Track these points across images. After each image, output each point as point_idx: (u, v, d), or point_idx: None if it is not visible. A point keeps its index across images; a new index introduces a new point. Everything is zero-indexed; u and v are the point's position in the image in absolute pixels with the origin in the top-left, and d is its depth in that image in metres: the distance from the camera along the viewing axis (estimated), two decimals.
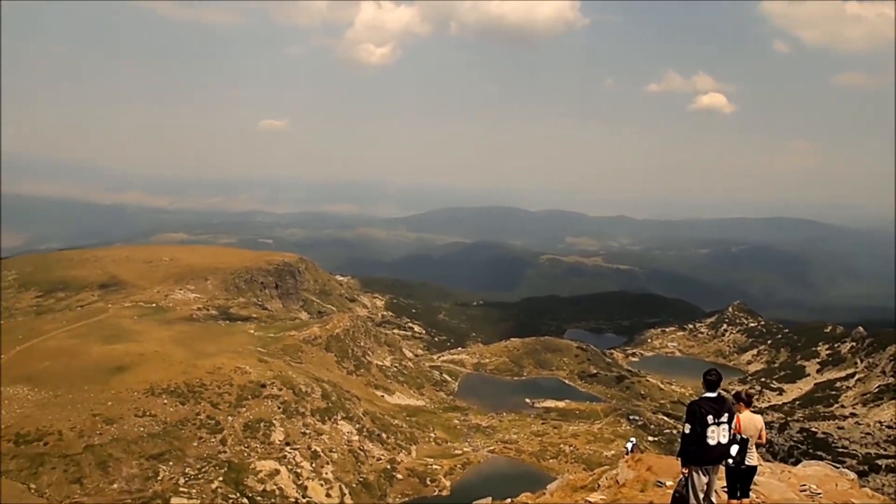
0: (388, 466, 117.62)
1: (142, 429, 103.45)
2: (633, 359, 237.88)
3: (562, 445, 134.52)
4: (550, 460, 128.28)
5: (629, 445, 47.90)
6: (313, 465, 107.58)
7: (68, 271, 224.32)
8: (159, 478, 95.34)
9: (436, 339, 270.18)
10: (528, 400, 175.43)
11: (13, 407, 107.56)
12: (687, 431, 18.41)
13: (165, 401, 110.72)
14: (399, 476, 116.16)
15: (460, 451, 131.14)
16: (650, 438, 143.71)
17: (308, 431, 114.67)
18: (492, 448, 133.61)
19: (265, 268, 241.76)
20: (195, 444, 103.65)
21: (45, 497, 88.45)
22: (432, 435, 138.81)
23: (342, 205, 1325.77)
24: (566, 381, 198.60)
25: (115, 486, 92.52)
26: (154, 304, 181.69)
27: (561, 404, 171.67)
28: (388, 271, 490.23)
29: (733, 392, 20.30)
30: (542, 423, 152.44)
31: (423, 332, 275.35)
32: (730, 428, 18.51)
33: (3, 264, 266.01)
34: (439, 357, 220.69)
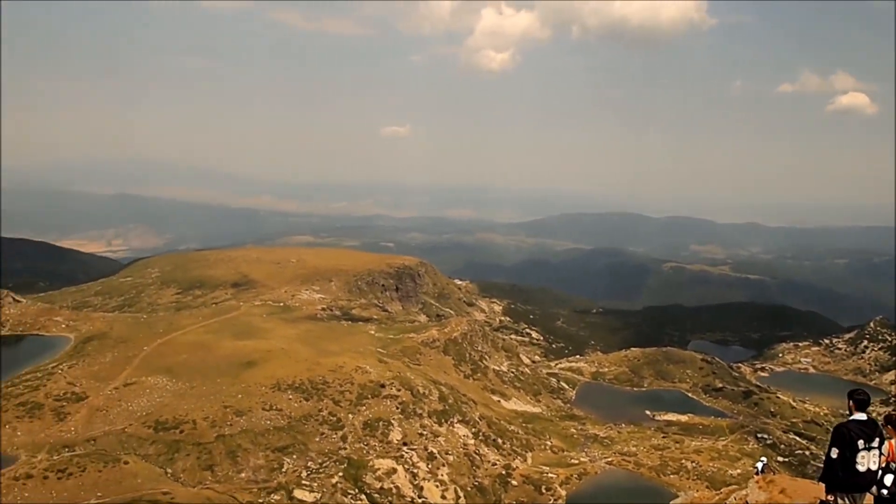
0: (504, 472, 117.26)
1: (268, 422, 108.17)
2: (762, 374, 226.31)
3: (683, 461, 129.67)
4: (671, 476, 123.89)
5: (759, 465, 45.52)
6: (429, 466, 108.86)
7: (204, 271, 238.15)
8: (283, 470, 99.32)
9: (553, 345, 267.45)
10: (648, 412, 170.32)
11: (153, 396, 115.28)
12: (833, 455, 17.07)
13: (290, 396, 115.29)
14: (514, 482, 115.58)
15: (577, 461, 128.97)
16: (780, 459, 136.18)
17: (425, 433, 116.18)
18: (609, 459, 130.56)
19: (386, 270, 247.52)
20: (317, 439, 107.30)
21: (179, 482, 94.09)
22: (548, 443, 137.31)
23: (462, 209, 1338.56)
24: (689, 395, 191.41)
25: (243, 475, 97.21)
26: (281, 304, 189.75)
27: (683, 418, 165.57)
28: (507, 276, 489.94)
29: (884, 415, 18.65)
30: (663, 437, 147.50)
31: (541, 338, 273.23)
32: (881, 454, 17.12)
33: (147, 263, 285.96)
34: (557, 364, 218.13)
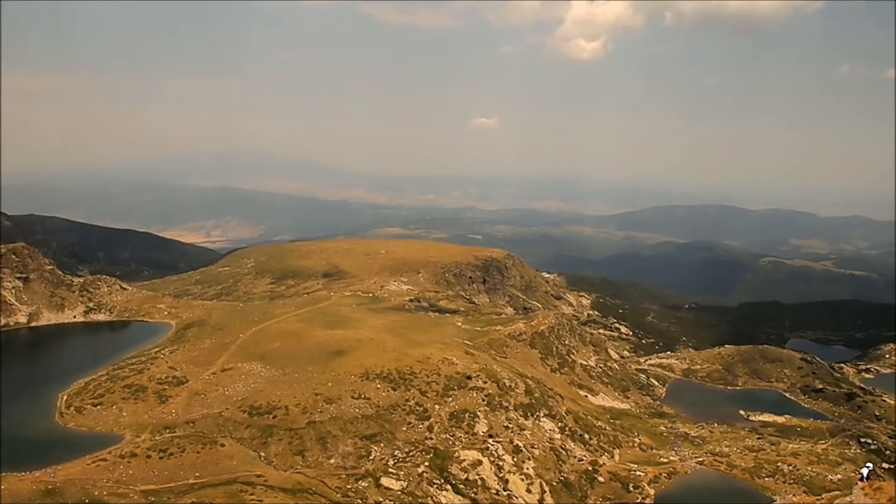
0: (590, 468, 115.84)
1: (357, 410, 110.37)
2: (867, 375, 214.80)
3: (780, 464, 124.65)
4: (766, 479, 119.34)
5: (865, 471, 43.16)
6: (515, 459, 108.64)
7: (298, 261, 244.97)
8: (371, 457, 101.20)
9: (643, 341, 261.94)
10: (741, 412, 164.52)
11: (248, 381, 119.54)
12: None
13: (379, 385, 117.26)
14: (601, 479, 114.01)
15: (666, 460, 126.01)
16: (885, 465, 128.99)
17: (511, 426, 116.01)
18: (700, 459, 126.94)
19: (473, 263, 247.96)
20: (404, 428, 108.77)
21: (271, 465, 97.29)
22: (637, 440, 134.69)
23: (550, 202, 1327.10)
24: (786, 395, 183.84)
25: (332, 461, 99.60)
26: (371, 294, 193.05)
27: (780, 419, 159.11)
28: (595, 269, 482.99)
29: None
30: (758, 438, 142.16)
31: (630, 333, 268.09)
32: None
33: (243, 253, 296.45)
34: (646, 360, 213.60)
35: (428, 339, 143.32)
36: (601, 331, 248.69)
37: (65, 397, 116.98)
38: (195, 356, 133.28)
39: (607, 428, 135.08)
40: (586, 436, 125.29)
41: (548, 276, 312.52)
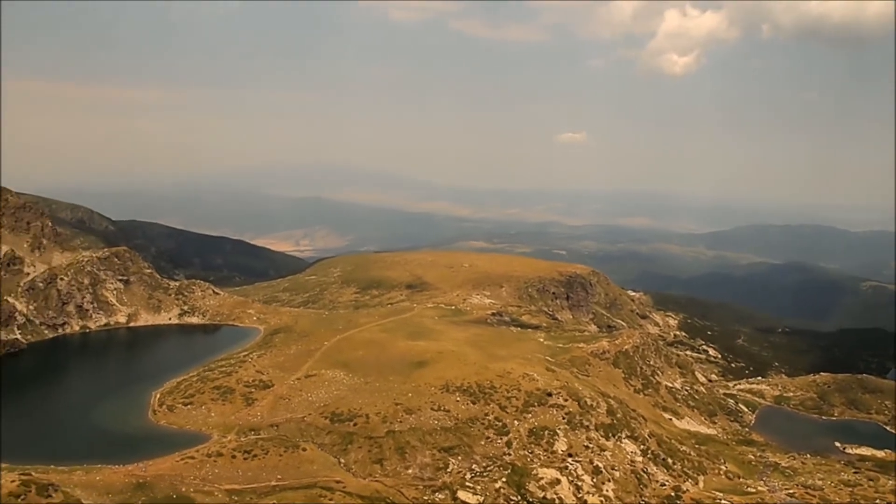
0: (673, 494, 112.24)
1: (436, 422, 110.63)
2: None
3: (878, 501, 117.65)
4: None
5: None
6: (594, 480, 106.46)
7: (382, 271, 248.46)
8: (448, 470, 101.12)
9: (732, 364, 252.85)
10: (837, 443, 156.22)
11: (331, 388, 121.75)
12: None
13: (458, 398, 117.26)
14: None
15: (754, 490, 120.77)
16: None
17: (591, 446, 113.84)
18: (791, 492, 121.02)
19: (557, 278, 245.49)
20: (482, 442, 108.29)
21: (350, 472, 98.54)
22: (723, 467, 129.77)
23: (637, 218, 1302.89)
24: (886, 428, 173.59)
25: (410, 471, 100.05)
26: (453, 307, 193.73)
27: (879, 454, 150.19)
28: (683, 289, 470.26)
29: None
30: (855, 473, 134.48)
31: (719, 356, 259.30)
32: None
33: (330, 263, 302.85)
34: (735, 385, 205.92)
35: (509, 353, 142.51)
36: (688, 352, 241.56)
37: (158, 395, 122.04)
38: (281, 361, 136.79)
39: (692, 453, 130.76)
40: (670, 460, 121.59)
41: (633, 294, 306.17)
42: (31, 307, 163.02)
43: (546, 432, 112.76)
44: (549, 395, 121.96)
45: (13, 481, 67.24)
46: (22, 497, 64.23)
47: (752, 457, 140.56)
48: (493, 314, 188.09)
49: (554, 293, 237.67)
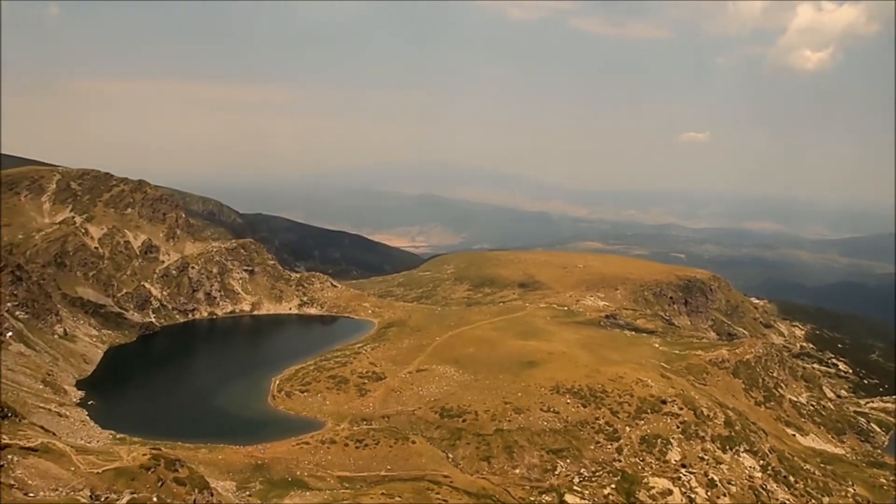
0: None
1: (545, 423, 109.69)
2: None
3: None
4: None
5: None
6: (709, 493, 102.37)
7: (495, 270, 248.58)
8: (556, 472, 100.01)
9: (865, 381, 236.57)
10: None
11: (441, 384, 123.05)
12: None
13: (568, 400, 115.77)
14: None
15: None
16: None
17: (706, 457, 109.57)
18: None
19: (675, 282, 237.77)
20: (592, 447, 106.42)
21: (458, 467, 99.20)
22: (850, 490, 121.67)
23: (763, 222, 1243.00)
24: None
25: (517, 471, 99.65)
26: (565, 308, 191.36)
27: None
28: (812, 298, 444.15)
29: None
30: None
31: (850, 371, 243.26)
32: None
33: (444, 259, 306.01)
34: (867, 403, 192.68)
35: (622, 357, 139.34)
36: (815, 366, 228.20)
37: (277, 382, 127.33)
38: (394, 355, 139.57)
39: (816, 472, 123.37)
40: (791, 478, 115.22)
41: (757, 301, 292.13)
42: (164, 293, 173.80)
43: (659, 440, 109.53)
44: (664, 402, 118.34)
45: (144, 455, 71.86)
46: (152, 470, 68.54)
47: (885, 481, 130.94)
48: (607, 317, 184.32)
49: (671, 297, 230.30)
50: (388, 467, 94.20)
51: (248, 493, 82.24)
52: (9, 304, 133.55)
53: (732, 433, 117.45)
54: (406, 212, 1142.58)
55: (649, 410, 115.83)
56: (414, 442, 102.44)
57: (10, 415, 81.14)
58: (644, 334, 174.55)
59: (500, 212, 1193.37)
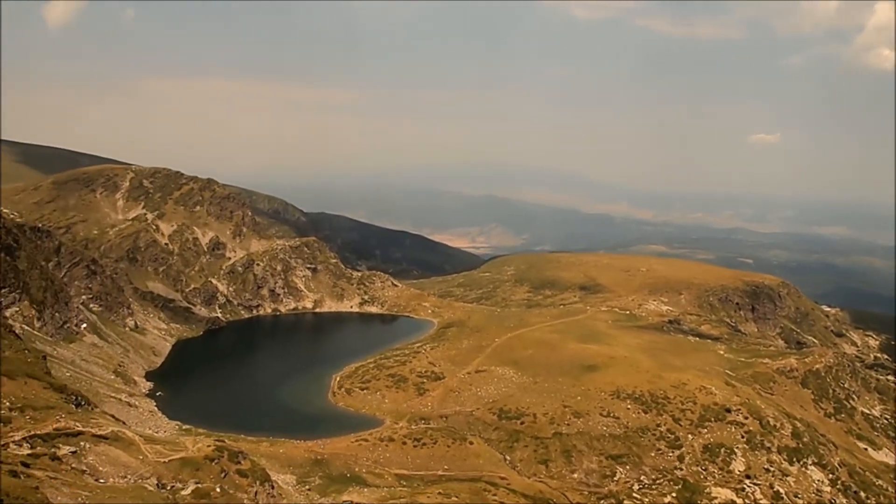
0: None
1: (605, 428, 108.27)
2: None
3: None
4: None
5: None
6: None
7: (556, 272, 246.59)
8: (616, 478, 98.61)
9: None
10: None
11: (500, 385, 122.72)
12: None
13: (629, 406, 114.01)
14: None
15: None
16: None
17: (772, 469, 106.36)
18: None
19: (742, 288, 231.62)
20: (653, 454, 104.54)
21: (515, 470, 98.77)
22: None
23: (835, 227, 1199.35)
24: None
25: (575, 475, 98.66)
26: (627, 311, 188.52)
27: None
28: (887, 307, 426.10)
29: None
30: None
31: None
32: None
33: (504, 260, 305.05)
34: None
35: (685, 363, 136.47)
36: (890, 378, 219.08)
37: (337, 378, 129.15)
38: (453, 355, 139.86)
39: (889, 489, 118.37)
40: (862, 494, 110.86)
41: (828, 309, 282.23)
42: (230, 289, 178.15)
43: (722, 450, 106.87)
44: (728, 410, 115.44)
45: (209, 446, 73.72)
46: (215, 461, 70.29)
47: None
48: (670, 322, 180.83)
49: (737, 303, 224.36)
50: (446, 467, 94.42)
51: (307, 487, 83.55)
52: (84, 297, 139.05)
53: (800, 445, 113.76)
54: (467, 212, 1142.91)
55: (713, 419, 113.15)
56: (471, 443, 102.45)
57: (83, 403, 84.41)
58: (708, 340, 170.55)
59: (562, 213, 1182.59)
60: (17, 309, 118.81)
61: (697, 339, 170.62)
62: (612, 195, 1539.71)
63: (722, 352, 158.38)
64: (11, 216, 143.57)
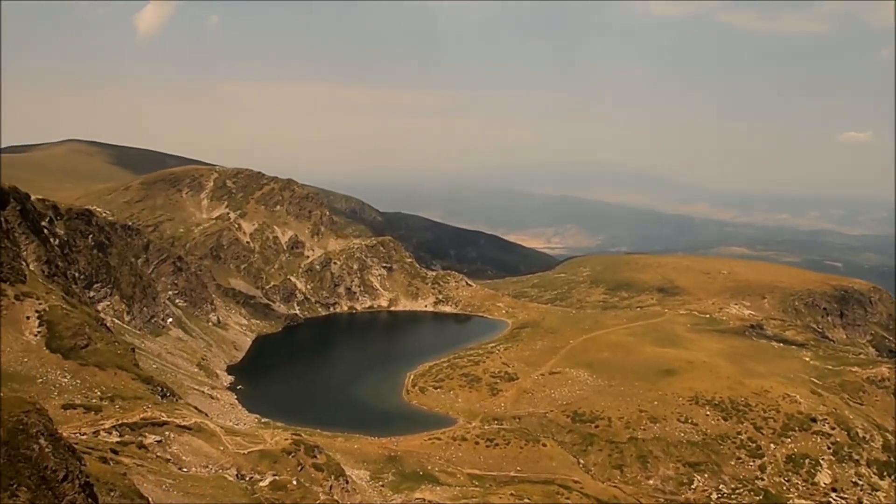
0: None
1: (682, 434, 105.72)
2: None
3: None
4: None
5: None
6: None
7: (632, 273, 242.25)
8: (693, 486, 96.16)
9: None
10: None
11: (574, 387, 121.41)
12: None
13: (708, 412, 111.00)
14: None
15: None
16: None
17: (861, 483, 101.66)
18: None
19: (829, 293, 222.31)
20: (732, 462, 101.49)
21: (589, 474, 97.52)
22: None
23: None
24: None
25: (651, 481, 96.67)
26: (707, 315, 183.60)
27: None
28: None
29: None
30: None
31: None
32: None
33: (580, 261, 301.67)
34: None
35: (768, 370, 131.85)
36: None
37: (411, 376, 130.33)
38: (526, 356, 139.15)
39: None
40: None
41: None
42: (308, 286, 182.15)
43: (807, 461, 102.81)
44: (814, 420, 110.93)
45: (286, 439, 75.60)
46: (292, 454, 72.01)
47: None
48: (752, 326, 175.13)
49: (825, 309, 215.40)
50: (518, 468, 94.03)
51: (381, 483, 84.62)
52: (170, 293, 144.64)
53: (892, 458, 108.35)
54: (542, 212, 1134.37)
55: (797, 428, 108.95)
56: (545, 444, 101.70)
57: (168, 394, 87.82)
58: (793, 347, 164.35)
59: (639, 214, 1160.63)
60: (109, 303, 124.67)
61: (781, 344, 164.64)
62: (691, 195, 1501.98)
63: (808, 359, 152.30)
64: (104, 215, 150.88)
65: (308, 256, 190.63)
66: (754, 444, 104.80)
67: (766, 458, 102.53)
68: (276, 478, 67.04)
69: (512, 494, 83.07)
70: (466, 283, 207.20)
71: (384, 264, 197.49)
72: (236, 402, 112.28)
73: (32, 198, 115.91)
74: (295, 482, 67.69)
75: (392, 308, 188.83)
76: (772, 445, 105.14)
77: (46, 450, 35.64)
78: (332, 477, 72.77)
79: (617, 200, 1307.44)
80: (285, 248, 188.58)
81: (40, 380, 76.13)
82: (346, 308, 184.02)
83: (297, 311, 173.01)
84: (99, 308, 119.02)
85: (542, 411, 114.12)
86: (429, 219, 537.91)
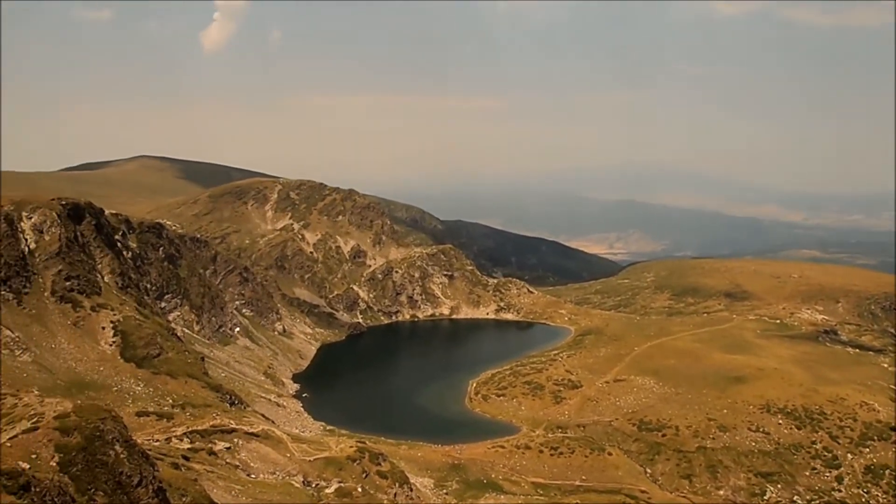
0: None
1: (753, 443, 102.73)
2: None
3: None
4: None
5: None
6: None
7: (699, 278, 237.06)
8: (765, 497, 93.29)
9: None
10: None
11: (640, 395, 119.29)
12: None
13: (780, 420, 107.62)
14: None
15: None
16: None
17: None
18: None
19: None
20: (807, 472, 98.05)
21: (657, 483, 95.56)
22: None
23: None
24: None
25: (721, 492, 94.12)
26: (778, 320, 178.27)
27: None
28: None
29: None
30: None
31: None
32: None
33: (644, 267, 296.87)
34: None
35: (843, 377, 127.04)
36: None
37: (474, 384, 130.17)
38: (590, 363, 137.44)
39: None
40: None
41: None
42: (370, 295, 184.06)
43: (887, 472, 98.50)
44: (894, 429, 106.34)
45: (351, 447, 76.45)
46: (357, 462, 72.79)
47: None
48: (826, 331, 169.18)
49: None
50: (583, 477, 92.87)
51: (444, 491, 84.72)
52: (237, 303, 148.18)
53: None
54: (605, 217, 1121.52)
55: (876, 437, 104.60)
56: (610, 453, 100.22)
57: (236, 402, 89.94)
58: (870, 353, 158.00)
59: (705, 217, 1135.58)
60: (179, 313, 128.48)
61: (857, 350, 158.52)
62: (759, 197, 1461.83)
63: (886, 365, 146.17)
64: (174, 228, 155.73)
65: (370, 265, 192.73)
66: (830, 454, 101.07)
67: (843, 469, 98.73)
68: (342, 485, 67.84)
69: None
70: (528, 290, 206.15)
71: (445, 272, 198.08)
72: (302, 409, 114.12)
73: (106, 212, 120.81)
74: (360, 489, 68.38)
75: (453, 316, 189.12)
76: (849, 455, 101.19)
77: (122, 456, 36.97)
78: (397, 484, 73.22)
79: (680, 203, 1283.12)
80: (348, 257, 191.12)
81: (115, 388, 79.00)
82: (407, 316, 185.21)
83: (360, 320, 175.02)
84: (170, 318, 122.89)
85: (607, 419, 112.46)
86: (489, 226, 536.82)
